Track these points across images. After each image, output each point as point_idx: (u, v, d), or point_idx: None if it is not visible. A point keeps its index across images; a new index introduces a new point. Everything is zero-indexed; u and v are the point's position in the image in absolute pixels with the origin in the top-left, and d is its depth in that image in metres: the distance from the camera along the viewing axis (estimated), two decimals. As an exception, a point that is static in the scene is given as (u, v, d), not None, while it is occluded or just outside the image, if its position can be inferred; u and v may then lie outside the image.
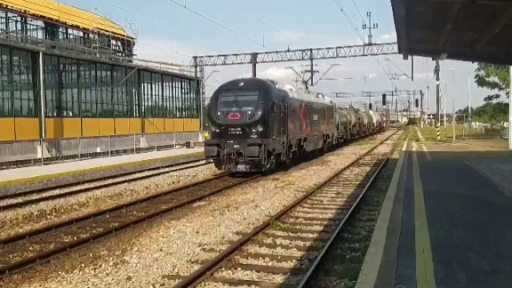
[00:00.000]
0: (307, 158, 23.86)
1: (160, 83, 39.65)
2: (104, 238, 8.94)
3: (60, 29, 37.12)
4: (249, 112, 17.24)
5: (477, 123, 67.28)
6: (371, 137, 56.00)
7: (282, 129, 18.67)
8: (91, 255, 7.88)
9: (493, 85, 39.47)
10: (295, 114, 20.90)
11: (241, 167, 17.21)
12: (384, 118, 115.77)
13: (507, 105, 42.66)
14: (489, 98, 43.83)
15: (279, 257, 7.64)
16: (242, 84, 18.46)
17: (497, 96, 42.07)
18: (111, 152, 28.19)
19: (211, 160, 18.80)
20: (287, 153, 19.65)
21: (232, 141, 17.20)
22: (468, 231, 6.96)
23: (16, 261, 7.59)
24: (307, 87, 29.27)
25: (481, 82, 39.28)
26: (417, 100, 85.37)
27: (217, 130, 17.71)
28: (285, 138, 19.13)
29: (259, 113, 17.23)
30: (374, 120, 66.64)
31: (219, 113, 17.64)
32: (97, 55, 34.53)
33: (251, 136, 17.15)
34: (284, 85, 21.97)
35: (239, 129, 17.31)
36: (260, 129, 17.16)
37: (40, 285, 6.53)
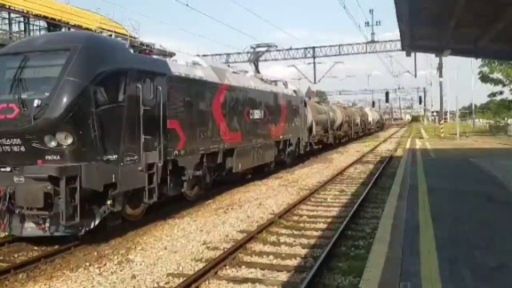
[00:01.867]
0: (238, 182, 15.02)
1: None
2: (108, 237, 8.94)
3: (63, 29, 37.18)
4: (37, 102, 7.67)
5: (481, 120, 67.01)
6: (375, 134, 55.51)
7: (147, 138, 9.16)
8: (95, 254, 7.90)
9: (497, 82, 39.34)
10: (194, 107, 11.28)
11: (30, 229, 8.03)
12: (388, 116, 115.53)
13: (511, 101, 42.57)
14: (493, 94, 43.76)
15: (283, 255, 7.64)
16: (41, 41, 9.21)
17: (501, 92, 41.98)
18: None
19: None
20: (169, 186, 10.33)
21: (6, 169, 7.98)
22: (473, 227, 6.94)
23: (21, 260, 7.61)
24: (257, 69, 19.27)
25: (484, 78, 39.14)
26: (420, 98, 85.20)
27: None
28: (158, 157, 9.57)
29: (64, 101, 7.71)
30: (371, 118, 55.81)
31: None
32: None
33: (47, 157, 7.80)
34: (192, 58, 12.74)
35: (18, 141, 7.81)
36: (68, 140, 7.77)
37: (45, 284, 6.55)
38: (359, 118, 44.15)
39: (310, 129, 24.07)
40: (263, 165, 16.79)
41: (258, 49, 20.32)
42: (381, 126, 70.20)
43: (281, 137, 18.10)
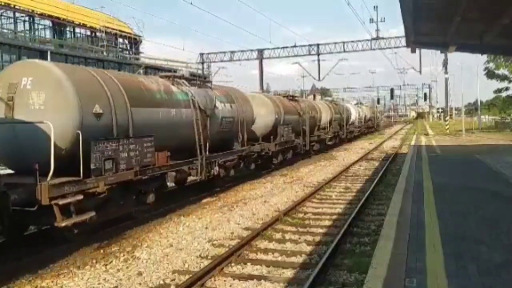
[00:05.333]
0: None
1: (167, 81, 39.69)
2: (114, 234, 8.98)
3: (68, 28, 37.39)
4: None
5: (487, 116, 66.67)
6: (376, 133, 54.40)
7: None
8: (102, 251, 7.94)
9: (503, 78, 39.14)
10: None
11: None
12: (393, 113, 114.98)
13: (517, 97, 42.34)
14: (499, 90, 43.50)
15: (289, 252, 7.65)
16: None
17: (507, 88, 41.73)
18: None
19: None
20: None
21: None
22: (478, 223, 6.92)
23: (28, 258, 7.65)
24: None
25: (490, 74, 38.94)
26: (425, 94, 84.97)
27: None
28: None
29: None
30: (355, 117, 39.71)
31: None
32: (105, 53, 34.72)
33: None
34: None
35: None
36: None
37: (52, 281, 6.59)
38: (329, 117, 28.15)
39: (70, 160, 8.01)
40: None
41: None
42: (375, 126, 54.06)
43: None
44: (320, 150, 25.20)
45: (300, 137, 21.51)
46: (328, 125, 27.72)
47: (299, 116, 21.72)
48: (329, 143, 27.65)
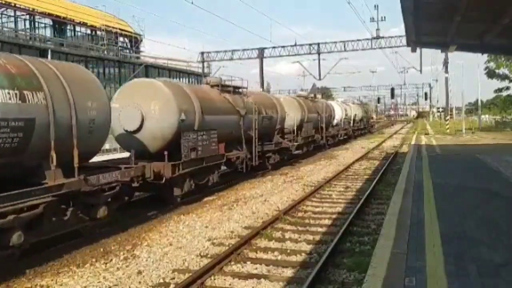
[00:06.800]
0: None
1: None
2: (114, 233, 8.99)
3: (68, 27, 37.38)
4: None
5: (487, 116, 66.61)
6: (376, 133, 54.46)
7: None
8: (102, 250, 7.94)
9: (503, 77, 39.07)
10: None
11: None
12: (393, 112, 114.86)
13: (517, 97, 42.29)
14: (499, 90, 43.42)
15: (288, 251, 7.66)
16: None
17: (508, 88, 41.65)
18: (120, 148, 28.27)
19: None
20: None
21: None
22: (478, 223, 6.91)
23: (28, 256, 7.65)
24: None
25: (490, 74, 38.86)
26: (426, 94, 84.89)
27: None
28: None
29: None
30: (340, 117, 32.81)
31: None
32: (105, 52, 34.72)
33: None
34: None
35: None
36: None
37: (52, 280, 6.60)
38: (298, 118, 21.69)
39: None
40: None
41: None
42: (367, 127, 46.91)
43: None
44: (280, 163, 18.78)
45: (243, 147, 15.06)
46: (296, 128, 20.98)
47: (240, 117, 14.71)
48: (297, 152, 20.84)
